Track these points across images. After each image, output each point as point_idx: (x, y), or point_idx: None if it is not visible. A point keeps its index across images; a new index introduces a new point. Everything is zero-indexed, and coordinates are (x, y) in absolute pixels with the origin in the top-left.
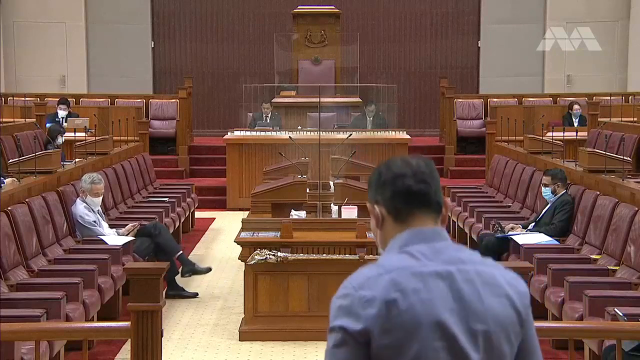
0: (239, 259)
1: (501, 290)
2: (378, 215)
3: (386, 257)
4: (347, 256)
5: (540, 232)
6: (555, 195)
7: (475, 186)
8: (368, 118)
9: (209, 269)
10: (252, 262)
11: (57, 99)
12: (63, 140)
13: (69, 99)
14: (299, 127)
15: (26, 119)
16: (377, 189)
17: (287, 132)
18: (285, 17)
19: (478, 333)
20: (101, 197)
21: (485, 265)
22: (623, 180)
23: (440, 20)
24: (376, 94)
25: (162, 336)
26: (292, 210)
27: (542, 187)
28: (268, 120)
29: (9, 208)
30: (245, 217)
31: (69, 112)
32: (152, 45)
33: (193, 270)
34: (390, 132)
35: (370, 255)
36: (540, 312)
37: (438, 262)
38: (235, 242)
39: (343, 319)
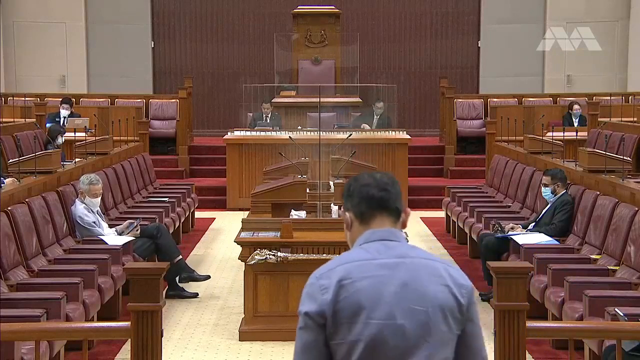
0: (239, 259)
1: (442, 280)
2: (347, 220)
3: (347, 253)
4: None
5: (540, 232)
6: (555, 195)
7: (475, 186)
8: (375, 116)
9: (208, 277)
10: (252, 262)
11: (60, 99)
12: (63, 140)
13: (71, 98)
14: (299, 127)
15: (26, 119)
16: (347, 198)
17: (287, 132)
18: (285, 17)
19: (417, 313)
20: (100, 198)
21: (431, 260)
22: (623, 180)
23: (440, 20)
24: (376, 94)
25: (162, 336)
26: (292, 210)
27: (542, 187)
28: (268, 121)
29: (9, 208)
30: (245, 217)
31: (72, 112)
32: (152, 45)
33: (191, 277)
34: (390, 132)
35: None
36: (540, 312)
37: (388, 256)
38: (235, 242)
39: (306, 304)
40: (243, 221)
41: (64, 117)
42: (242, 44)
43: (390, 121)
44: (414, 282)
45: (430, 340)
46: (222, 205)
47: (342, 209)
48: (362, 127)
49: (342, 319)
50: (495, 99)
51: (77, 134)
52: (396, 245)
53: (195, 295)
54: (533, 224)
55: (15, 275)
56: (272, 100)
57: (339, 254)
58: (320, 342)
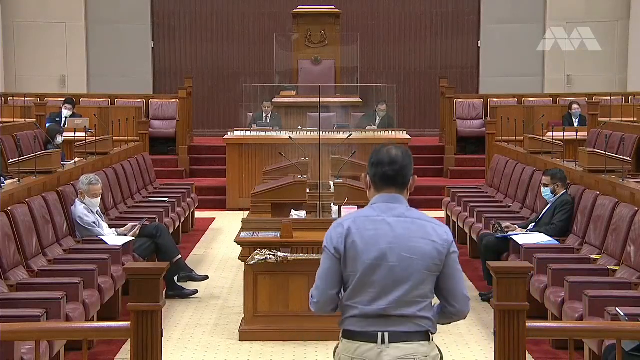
0: (239, 259)
1: (428, 236)
2: (367, 183)
3: (361, 209)
4: None
5: (540, 232)
6: (555, 195)
7: (475, 186)
8: (378, 118)
9: (206, 277)
10: (252, 262)
11: (63, 99)
12: (62, 139)
13: (74, 100)
14: (299, 127)
15: (26, 119)
16: (369, 166)
17: (287, 132)
18: (285, 17)
19: (404, 259)
20: (99, 198)
21: (422, 220)
22: (623, 180)
23: (440, 20)
24: (376, 94)
25: (162, 336)
26: (292, 210)
27: (542, 187)
28: (268, 120)
29: (9, 208)
30: (245, 217)
31: (73, 112)
32: (152, 45)
33: (190, 277)
34: (390, 132)
35: None
36: (540, 312)
37: (388, 215)
38: (235, 242)
39: (327, 242)
40: (243, 221)
41: (65, 118)
42: (242, 44)
43: (393, 122)
44: (406, 236)
45: (411, 279)
46: (222, 205)
47: (364, 174)
48: (367, 128)
49: (349, 256)
50: (495, 99)
51: (77, 134)
52: (397, 207)
53: (195, 292)
54: (533, 224)
55: (15, 275)
56: (272, 100)
57: None
58: (335, 269)
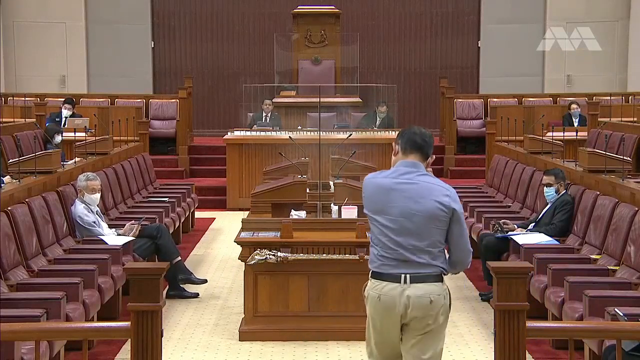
0: (239, 259)
1: (437, 198)
2: (395, 150)
3: (386, 170)
4: (347, 256)
5: (540, 232)
6: (557, 195)
7: (475, 186)
8: (379, 118)
9: (205, 281)
10: (252, 262)
11: (63, 99)
12: (62, 139)
13: (74, 99)
14: (299, 127)
15: (26, 119)
16: (400, 137)
17: (287, 132)
18: (285, 17)
19: (414, 215)
20: (99, 194)
21: (434, 184)
22: (623, 180)
23: (440, 20)
24: (376, 94)
25: (162, 336)
26: (292, 210)
27: (545, 188)
28: (268, 120)
29: (9, 208)
30: (245, 217)
31: (73, 112)
32: (152, 45)
33: (189, 279)
34: (390, 132)
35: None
36: (540, 312)
37: (406, 178)
38: (235, 242)
39: (363, 200)
40: (243, 221)
41: (65, 118)
42: (242, 44)
43: (393, 123)
44: (418, 196)
45: (423, 230)
46: (222, 205)
47: (394, 142)
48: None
49: (373, 211)
50: (495, 99)
51: (77, 134)
52: (415, 171)
53: (196, 295)
54: (533, 224)
55: (15, 275)
56: (273, 100)
57: (339, 254)
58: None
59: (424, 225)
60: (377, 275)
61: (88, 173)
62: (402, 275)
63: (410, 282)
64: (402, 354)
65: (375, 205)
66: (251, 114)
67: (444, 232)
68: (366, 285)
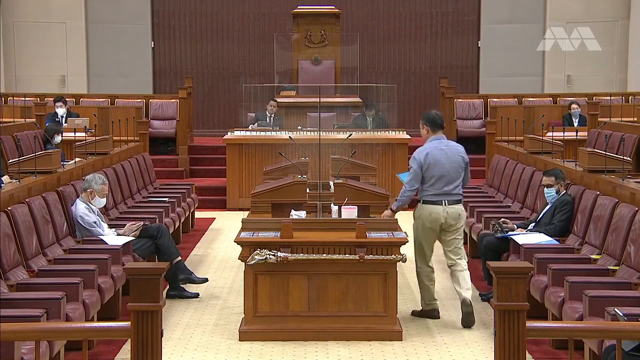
0: (239, 259)
1: (460, 154)
2: (423, 131)
3: (425, 145)
4: (347, 256)
5: (540, 232)
6: (558, 195)
7: (475, 186)
8: (368, 119)
9: (206, 280)
10: (252, 262)
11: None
12: (61, 139)
13: (64, 96)
14: (299, 127)
15: (26, 119)
16: (425, 120)
17: (287, 132)
18: (285, 17)
19: (452, 168)
20: (105, 198)
21: (456, 146)
22: (623, 180)
23: (440, 20)
24: (376, 94)
25: (162, 336)
26: (292, 210)
27: (545, 188)
28: (271, 121)
29: (9, 208)
30: (245, 217)
31: (68, 110)
32: (152, 45)
33: (190, 279)
34: (390, 132)
35: (370, 255)
36: (540, 312)
37: (442, 145)
38: (235, 242)
39: (414, 162)
40: (243, 221)
41: (62, 116)
42: (242, 44)
43: (385, 123)
44: (451, 154)
45: (454, 174)
46: (222, 205)
47: (421, 124)
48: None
49: (426, 168)
50: (495, 99)
51: (77, 133)
52: (444, 141)
53: (197, 295)
54: (533, 224)
55: (15, 275)
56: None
57: (339, 254)
58: (419, 174)
59: (455, 171)
60: (428, 202)
61: (102, 176)
62: (444, 200)
63: (448, 205)
64: (444, 244)
65: (430, 161)
66: (253, 114)
67: (462, 174)
68: (415, 210)
